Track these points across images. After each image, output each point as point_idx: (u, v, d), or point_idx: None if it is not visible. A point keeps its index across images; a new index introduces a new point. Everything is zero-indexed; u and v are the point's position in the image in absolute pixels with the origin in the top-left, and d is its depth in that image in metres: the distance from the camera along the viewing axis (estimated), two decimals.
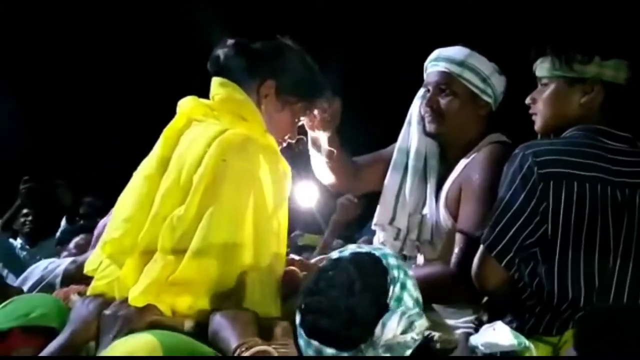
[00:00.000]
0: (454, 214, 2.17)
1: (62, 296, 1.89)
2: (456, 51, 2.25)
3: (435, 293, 2.01)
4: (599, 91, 1.92)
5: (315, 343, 1.47)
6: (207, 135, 1.71)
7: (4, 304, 1.75)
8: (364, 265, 1.52)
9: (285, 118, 1.89)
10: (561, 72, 1.93)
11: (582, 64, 1.91)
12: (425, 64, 2.31)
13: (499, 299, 1.95)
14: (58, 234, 4.82)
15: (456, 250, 2.10)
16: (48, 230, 4.91)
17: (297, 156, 2.07)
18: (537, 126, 2.01)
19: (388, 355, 1.42)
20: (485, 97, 2.23)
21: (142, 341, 1.47)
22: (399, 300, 1.46)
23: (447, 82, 2.22)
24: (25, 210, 4.86)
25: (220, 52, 1.86)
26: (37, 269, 3.30)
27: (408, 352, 1.43)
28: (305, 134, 2.15)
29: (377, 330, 1.42)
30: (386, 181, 2.35)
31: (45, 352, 1.59)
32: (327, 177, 2.36)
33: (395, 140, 2.40)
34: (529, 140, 1.97)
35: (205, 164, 1.66)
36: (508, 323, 1.81)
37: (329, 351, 1.46)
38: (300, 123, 1.96)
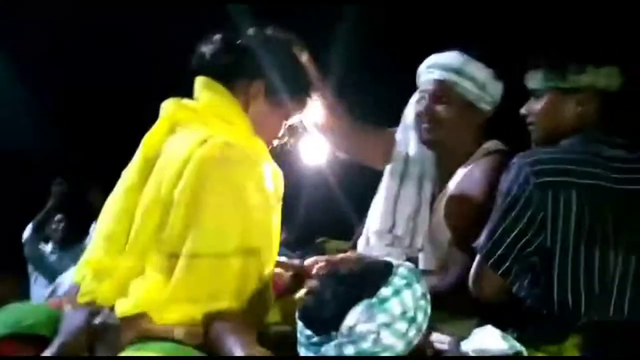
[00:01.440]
0: (453, 225, 2.15)
1: (55, 306, 1.90)
2: (452, 58, 2.19)
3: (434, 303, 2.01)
4: (593, 99, 1.90)
5: (300, 324, 1.51)
6: (187, 146, 1.64)
7: None
8: (373, 265, 1.55)
9: (275, 119, 1.82)
10: (554, 84, 1.91)
11: (576, 74, 1.88)
12: (419, 69, 2.26)
13: (497, 309, 1.93)
14: (87, 241, 4.90)
15: (455, 262, 2.08)
16: (78, 235, 5.01)
17: None
18: (534, 137, 1.99)
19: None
20: (482, 105, 2.19)
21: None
22: (384, 301, 1.45)
23: (443, 90, 2.18)
24: (58, 216, 4.96)
25: (206, 49, 1.78)
26: (67, 280, 3.36)
27: (365, 345, 1.43)
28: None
29: (347, 318, 1.44)
30: (384, 187, 2.32)
31: None
32: (321, 126, 2.30)
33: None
34: (526, 146, 1.96)
35: (185, 178, 1.60)
36: (509, 333, 1.79)
37: (306, 332, 1.49)
38: (290, 122, 1.88)
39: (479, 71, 2.17)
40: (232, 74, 1.76)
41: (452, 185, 2.19)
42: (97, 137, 5.69)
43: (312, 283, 1.67)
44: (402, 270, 1.51)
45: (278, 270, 1.77)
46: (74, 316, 1.65)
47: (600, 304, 1.80)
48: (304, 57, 2.00)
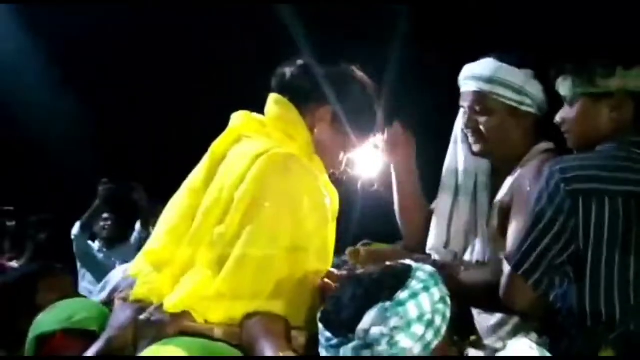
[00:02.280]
0: (505, 232, 2.05)
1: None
2: (484, 67, 2.13)
3: (481, 300, 2.02)
4: (626, 103, 1.84)
5: (320, 326, 1.53)
6: (251, 152, 1.75)
7: (48, 308, 1.87)
8: (392, 270, 1.56)
9: (336, 146, 1.90)
10: (584, 89, 1.86)
11: (605, 77, 1.83)
12: (458, 81, 2.22)
13: (531, 320, 1.90)
14: (133, 239, 5.03)
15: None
16: (125, 234, 5.14)
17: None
18: (570, 145, 1.95)
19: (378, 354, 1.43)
20: (524, 108, 2.11)
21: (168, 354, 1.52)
22: (400, 304, 1.46)
23: (480, 101, 2.12)
24: (105, 215, 5.08)
25: (287, 70, 1.89)
26: (115, 277, 3.46)
27: (380, 348, 1.44)
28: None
29: (362, 321, 1.45)
30: (436, 204, 2.28)
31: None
32: (403, 220, 2.35)
33: None
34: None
35: (247, 182, 1.70)
36: (543, 344, 1.74)
37: (326, 334, 1.51)
38: (348, 155, 1.96)
39: (513, 75, 2.10)
40: (304, 96, 1.86)
41: (504, 190, 2.13)
42: (142, 139, 5.79)
43: (335, 286, 1.70)
44: (420, 274, 1.52)
45: (327, 280, 1.78)
46: (122, 312, 1.74)
47: (635, 314, 1.75)
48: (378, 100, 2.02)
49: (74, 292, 2.33)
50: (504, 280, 1.83)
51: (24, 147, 5.87)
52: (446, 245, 2.22)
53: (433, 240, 2.26)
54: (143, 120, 5.61)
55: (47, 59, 5.69)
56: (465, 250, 2.21)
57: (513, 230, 2.01)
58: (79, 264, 5.02)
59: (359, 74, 1.94)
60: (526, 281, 1.79)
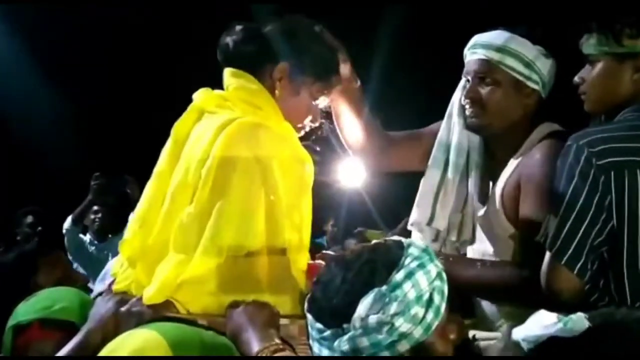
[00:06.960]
0: (512, 215, 1.98)
1: None
2: (495, 36, 2.03)
3: (503, 295, 1.95)
4: None
5: (309, 317, 1.42)
6: (215, 126, 1.65)
7: (28, 297, 1.79)
8: (382, 247, 1.44)
9: (302, 101, 1.81)
10: (609, 49, 1.78)
11: (632, 38, 1.75)
12: (464, 51, 2.09)
13: (569, 304, 1.76)
14: (126, 230, 4.97)
15: (523, 253, 1.92)
16: (116, 226, 5.08)
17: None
18: (587, 107, 1.86)
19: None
20: (530, 84, 2.01)
21: (142, 338, 1.46)
22: (397, 286, 1.35)
23: (487, 70, 2.01)
24: (95, 207, 5.04)
25: (229, 40, 1.79)
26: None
27: (379, 336, 1.34)
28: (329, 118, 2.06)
29: (358, 308, 1.35)
30: (424, 179, 2.17)
31: (63, 351, 1.61)
32: (355, 146, 2.19)
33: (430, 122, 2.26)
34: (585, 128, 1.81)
35: (212, 156, 1.61)
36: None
37: (317, 325, 1.40)
38: (319, 105, 1.87)
39: (525, 48, 2.01)
40: (255, 61, 1.76)
41: (508, 171, 2.03)
42: (134, 131, 5.76)
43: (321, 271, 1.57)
44: (413, 250, 1.40)
45: (320, 262, 1.70)
46: (103, 304, 1.68)
47: None
48: (330, 40, 1.93)
49: (72, 272, 2.27)
50: (545, 271, 1.73)
51: (15, 142, 5.83)
52: (430, 222, 2.13)
53: (416, 215, 2.16)
54: (136, 113, 5.59)
55: (37, 56, 5.65)
56: (448, 230, 2.12)
57: (530, 212, 1.92)
58: (70, 259, 4.97)
59: (306, 21, 1.84)
60: (572, 270, 1.69)
